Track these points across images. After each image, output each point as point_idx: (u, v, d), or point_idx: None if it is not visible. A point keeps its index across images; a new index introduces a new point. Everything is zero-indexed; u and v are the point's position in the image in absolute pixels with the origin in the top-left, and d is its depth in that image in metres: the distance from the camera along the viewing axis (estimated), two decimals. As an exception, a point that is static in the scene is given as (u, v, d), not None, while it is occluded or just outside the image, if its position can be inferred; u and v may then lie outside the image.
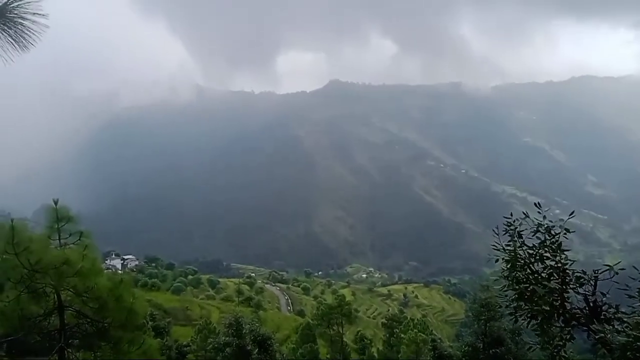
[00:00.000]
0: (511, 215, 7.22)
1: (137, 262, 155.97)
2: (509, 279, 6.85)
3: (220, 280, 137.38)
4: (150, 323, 42.84)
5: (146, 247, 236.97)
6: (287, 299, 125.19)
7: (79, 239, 10.71)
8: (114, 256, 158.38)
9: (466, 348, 31.14)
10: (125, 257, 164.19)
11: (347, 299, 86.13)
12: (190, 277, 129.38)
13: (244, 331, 39.42)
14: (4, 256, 9.43)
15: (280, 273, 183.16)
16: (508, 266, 6.88)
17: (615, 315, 6.30)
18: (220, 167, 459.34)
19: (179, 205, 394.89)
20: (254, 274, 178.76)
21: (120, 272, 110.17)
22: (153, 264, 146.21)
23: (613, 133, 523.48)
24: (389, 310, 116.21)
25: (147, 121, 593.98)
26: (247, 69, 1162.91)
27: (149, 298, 66.92)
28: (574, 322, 6.54)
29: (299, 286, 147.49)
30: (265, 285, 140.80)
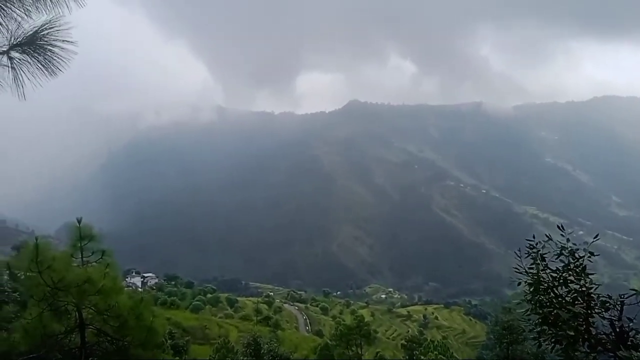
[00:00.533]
0: (534, 237, 7.13)
1: (156, 280, 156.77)
2: (532, 302, 6.74)
3: (238, 299, 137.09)
4: (169, 341, 42.90)
5: (166, 266, 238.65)
6: (306, 318, 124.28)
7: (101, 258, 10.86)
8: (134, 274, 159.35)
9: (488, 372, 30.52)
10: (145, 275, 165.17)
11: (366, 320, 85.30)
12: (209, 295, 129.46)
13: (262, 351, 39.24)
14: (28, 274, 9.60)
15: (299, 292, 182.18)
16: (531, 289, 6.77)
17: (643, 342, 6.14)
18: (239, 186, 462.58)
19: (198, 223, 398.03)
20: (272, 293, 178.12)
21: (140, 290, 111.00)
22: (172, 282, 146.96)
23: (637, 153, 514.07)
24: (408, 331, 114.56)
25: (168, 141, 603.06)
26: (268, 90, 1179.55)
27: (168, 316, 67.05)
28: (599, 348, 6.39)
29: (317, 306, 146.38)
30: (284, 304, 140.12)
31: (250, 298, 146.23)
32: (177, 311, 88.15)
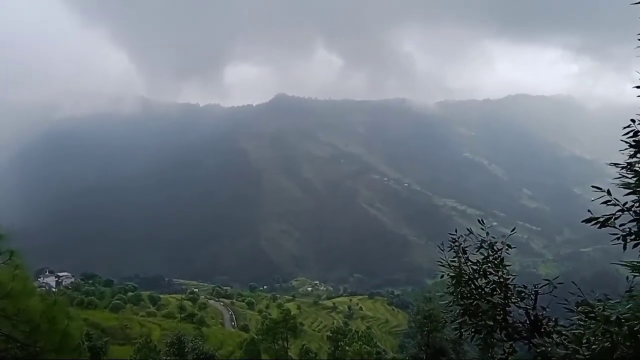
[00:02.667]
0: (455, 231, 7.39)
1: (72, 280, 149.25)
2: (454, 294, 6.99)
3: (161, 296, 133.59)
4: (86, 343, 40.87)
5: (84, 264, 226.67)
6: (231, 314, 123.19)
7: (9, 259, 10.07)
8: (47, 273, 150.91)
9: (409, 359, 31.62)
10: (60, 274, 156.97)
11: (292, 313, 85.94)
12: (130, 293, 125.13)
13: (186, 349, 38.34)
14: None
15: (224, 288, 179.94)
16: (453, 282, 7.03)
17: (555, 329, 6.54)
18: (163, 180, 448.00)
19: (119, 220, 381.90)
20: (197, 290, 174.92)
21: (54, 290, 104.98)
22: (90, 281, 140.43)
23: (545, 149, 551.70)
24: (334, 323, 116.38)
25: (87, 133, 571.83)
26: (194, 81, 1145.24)
27: (85, 317, 64.06)
28: (515, 336, 6.74)
29: (243, 301, 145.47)
30: (209, 300, 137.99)
31: (173, 295, 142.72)
32: (95, 311, 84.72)
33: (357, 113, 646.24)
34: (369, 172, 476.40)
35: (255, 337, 72.82)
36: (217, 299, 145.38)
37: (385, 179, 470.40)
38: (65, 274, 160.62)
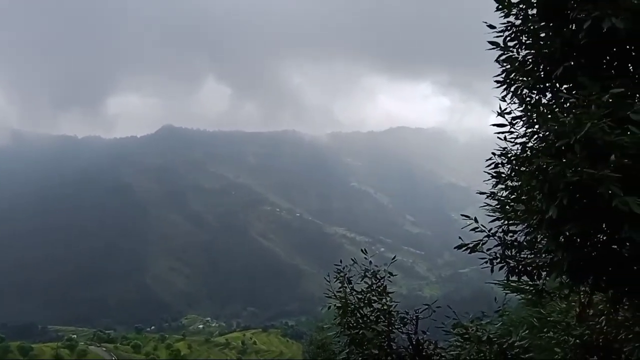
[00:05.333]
0: (341, 261, 7.53)
1: None
2: (341, 325, 7.09)
3: (34, 346, 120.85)
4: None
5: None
6: (115, 359, 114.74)
7: None
8: None
9: (305, 392, 31.33)
10: None
11: (182, 353, 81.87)
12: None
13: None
14: None
15: (107, 332, 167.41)
16: (340, 312, 7.13)
17: (435, 351, 6.87)
18: (37, 218, 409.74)
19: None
20: (75, 336, 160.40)
21: None
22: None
23: (425, 177, 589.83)
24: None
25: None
26: (73, 112, 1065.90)
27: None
28: (400, 362, 6.97)
29: (128, 344, 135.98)
30: (89, 347, 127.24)
31: (48, 344, 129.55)
32: (-48, 370, 74.44)
33: (248, 144, 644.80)
34: (261, 204, 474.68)
35: (142, 383, 68.34)
36: (98, 344, 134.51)
37: (278, 209, 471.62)
38: None
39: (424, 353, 6.86)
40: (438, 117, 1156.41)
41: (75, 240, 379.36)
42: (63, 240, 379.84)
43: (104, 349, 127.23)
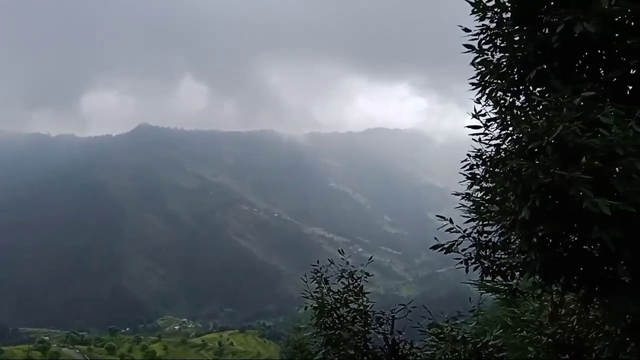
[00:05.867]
0: (318, 262, 7.53)
1: None
2: (318, 325, 7.09)
3: (4, 348, 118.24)
4: None
5: None
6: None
7: None
8: None
9: (282, 393, 31.27)
10: None
11: (158, 354, 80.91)
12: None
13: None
14: None
15: (81, 334, 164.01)
16: (317, 312, 7.13)
17: (411, 351, 6.91)
18: (9, 219, 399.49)
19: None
20: (47, 337, 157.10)
21: None
22: None
23: (403, 178, 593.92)
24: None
25: None
26: (46, 110, 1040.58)
27: None
28: (376, 362, 7.00)
29: (102, 346, 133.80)
30: (62, 349, 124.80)
31: (19, 346, 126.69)
32: None
33: (225, 144, 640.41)
34: (238, 203, 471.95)
35: (117, 385, 67.37)
36: (71, 347, 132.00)
37: (255, 209, 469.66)
38: None
39: (399, 353, 6.91)
40: (416, 119, 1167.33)
41: (49, 240, 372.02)
42: (36, 240, 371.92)
43: (77, 351, 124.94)
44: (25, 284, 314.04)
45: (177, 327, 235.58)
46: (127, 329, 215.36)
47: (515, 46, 5.83)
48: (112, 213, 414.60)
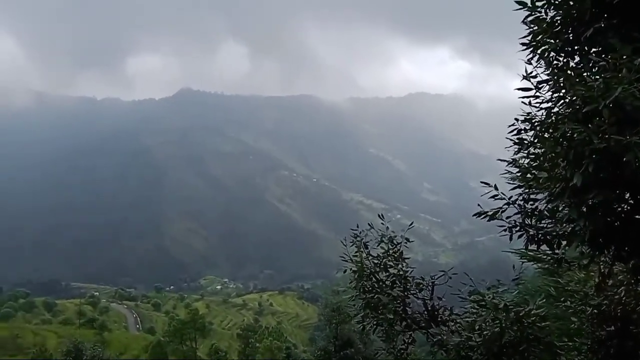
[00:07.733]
0: (357, 226, 7.52)
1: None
2: (357, 288, 7.14)
3: (58, 302, 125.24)
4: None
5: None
6: (136, 317, 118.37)
7: None
8: None
9: (319, 352, 32.09)
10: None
11: (200, 312, 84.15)
12: (21, 300, 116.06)
13: (84, 357, 36.11)
14: None
15: (128, 290, 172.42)
16: (356, 276, 7.16)
17: (450, 317, 6.88)
18: (58, 181, 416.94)
19: (9, 221, 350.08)
20: (97, 293, 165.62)
21: None
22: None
23: (444, 145, 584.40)
24: (244, 320, 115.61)
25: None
26: (93, 72, 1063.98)
27: (-32, 329, 58.53)
28: (414, 327, 7.01)
29: (148, 302, 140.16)
30: (111, 304, 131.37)
31: (71, 300, 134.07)
32: (-19, 322, 77.64)
33: (265, 109, 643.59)
34: (278, 169, 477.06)
35: (162, 339, 70.48)
36: (120, 302, 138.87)
37: (295, 174, 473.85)
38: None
39: (439, 319, 6.89)
40: (458, 83, 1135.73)
41: (96, 202, 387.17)
42: (84, 202, 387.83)
43: (125, 306, 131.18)
44: (75, 242, 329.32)
45: (218, 287, 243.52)
46: (172, 287, 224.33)
47: (571, 3, 5.48)
48: (155, 176, 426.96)
